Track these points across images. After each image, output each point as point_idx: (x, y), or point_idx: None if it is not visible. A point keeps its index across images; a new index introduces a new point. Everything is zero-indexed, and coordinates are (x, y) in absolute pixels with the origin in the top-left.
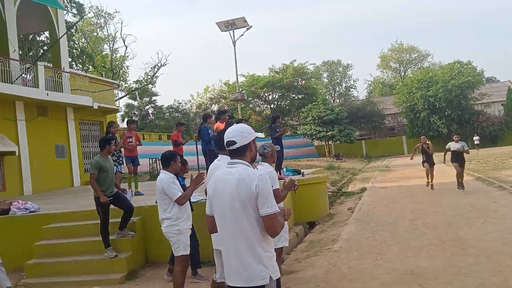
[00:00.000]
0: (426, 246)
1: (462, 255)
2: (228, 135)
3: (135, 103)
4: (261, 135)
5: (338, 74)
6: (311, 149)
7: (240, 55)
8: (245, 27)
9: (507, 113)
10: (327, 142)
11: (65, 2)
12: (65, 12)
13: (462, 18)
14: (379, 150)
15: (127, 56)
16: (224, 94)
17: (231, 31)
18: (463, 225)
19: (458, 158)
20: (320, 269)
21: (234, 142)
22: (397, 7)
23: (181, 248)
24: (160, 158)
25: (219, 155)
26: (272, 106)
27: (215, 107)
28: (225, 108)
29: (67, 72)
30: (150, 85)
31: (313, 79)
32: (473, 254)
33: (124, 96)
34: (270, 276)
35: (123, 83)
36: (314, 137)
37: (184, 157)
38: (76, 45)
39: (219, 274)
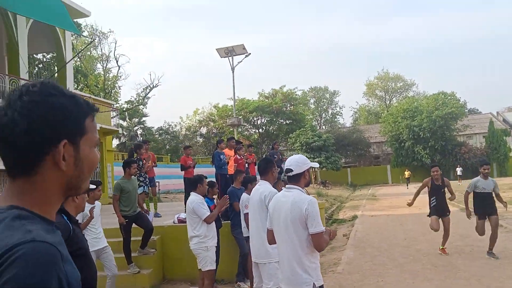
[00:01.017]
0: (421, 270)
1: (454, 278)
2: (287, 163)
3: (124, 123)
4: (316, 165)
5: (324, 100)
6: None
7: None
8: (244, 54)
9: (489, 145)
10: (313, 169)
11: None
12: (71, 33)
13: (445, 49)
14: (364, 178)
15: (120, 76)
16: (213, 117)
17: (230, 58)
18: (453, 252)
19: (489, 206)
20: None
21: (291, 170)
22: (380, 36)
23: (208, 263)
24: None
25: (260, 180)
26: (260, 130)
27: (203, 130)
28: (213, 131)
29: None
30: (141, 106)
31: (301, 105)
32: (465, 278)
33: (115, 116)
34: (313, 283)
35: (114, 103)
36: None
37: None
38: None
39: (256, 284)
